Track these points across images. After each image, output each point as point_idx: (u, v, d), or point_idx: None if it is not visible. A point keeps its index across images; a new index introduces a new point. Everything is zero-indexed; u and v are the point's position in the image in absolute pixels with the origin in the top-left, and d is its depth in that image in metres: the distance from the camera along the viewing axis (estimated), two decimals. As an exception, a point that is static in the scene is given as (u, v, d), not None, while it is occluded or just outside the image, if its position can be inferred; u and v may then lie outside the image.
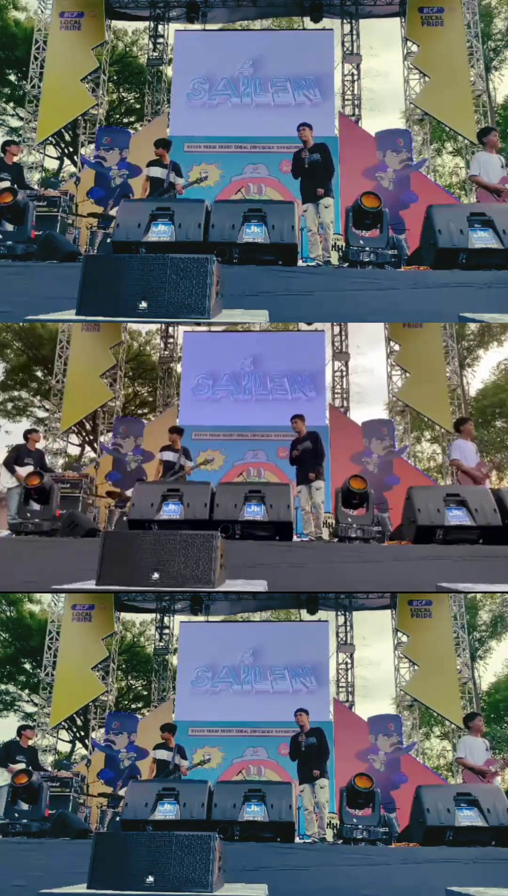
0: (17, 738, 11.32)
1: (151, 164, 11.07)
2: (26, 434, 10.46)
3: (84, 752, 15.39)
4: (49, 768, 13.35)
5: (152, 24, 15.19)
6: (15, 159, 10.78)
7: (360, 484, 9.80)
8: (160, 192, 10.79)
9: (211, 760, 13.24)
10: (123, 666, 16.83)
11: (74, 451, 17.75)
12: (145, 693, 16.87)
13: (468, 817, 9.73)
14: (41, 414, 19.01)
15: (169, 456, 11.01)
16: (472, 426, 10.42)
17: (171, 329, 15.81)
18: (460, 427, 10.39)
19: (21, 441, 10.41)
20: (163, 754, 11.20)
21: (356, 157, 13.48)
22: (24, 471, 9.90)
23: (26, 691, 18.25)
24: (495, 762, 10.65)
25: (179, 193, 10.91)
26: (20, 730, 11.49)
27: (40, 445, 10.99)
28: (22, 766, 10.92)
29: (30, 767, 10.99)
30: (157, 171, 10.94)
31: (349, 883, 9.28)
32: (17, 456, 10.17)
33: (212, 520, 8.65)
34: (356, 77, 15.08)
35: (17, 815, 10.55)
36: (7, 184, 10.34)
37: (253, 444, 14.19)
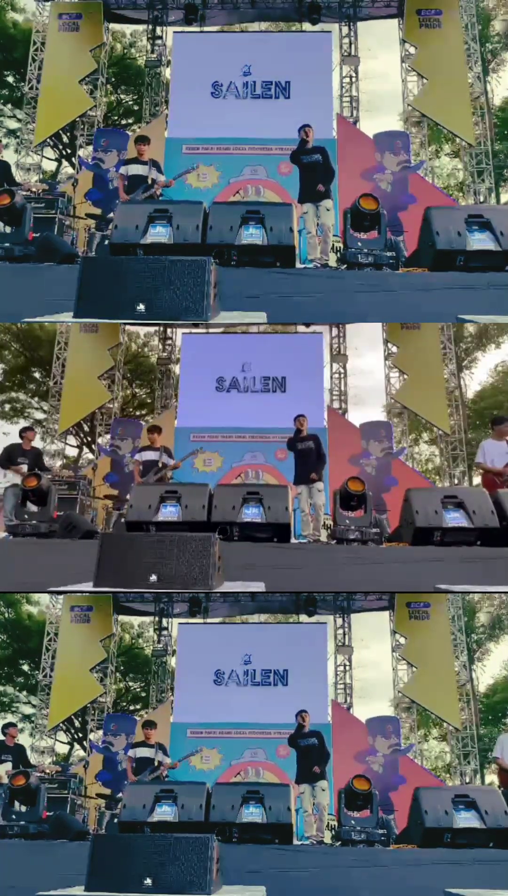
0: (3, 738, 11.26)
1: (128, 161, 11.04)
2: (21, 432, 10.37)
3: (82, 753, 15.37)
4: (36, 765, 13.31)
5: (151, 27, 15.20)
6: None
7: (358, 486, 9.81)
8: (144, 189, 10.77)
9: (210, 761, 13.24)
10: (122, 667, 16.83)
11: (71, 452, 17.73)
12: (144, 695, 16.86)
13: (466, 819, 9.74)
14: (39, 415, 18.98)
15: (150, 455, 10.70)
16: (506, 428, 10.21)
17: (169, 331, 15.80)
18: (492, 426, 10.23)
19: (16, 440, 10.32)
20: (144, 752, 11.16)
21: (355, 158, 13.47)
22: (18, 470, 9.86)
23: (24, 693, 18.23)
24: None
25: (161, 188, 10.88)
26: (4, 728, 11.41)
27: (38, 444, 10.88)
28: (8, 766, 10.89)
29: (23, 767, 10.95)
30: (137, 169, 10.90)
31: (347, 885, 9.28)
32: (9, 455, 10.10)
33: (210, 521, 8.65)
34: (354, 79, 15.09)
35: (14, 816, 10.54)
36: None
37: (252, 446, 14.17)
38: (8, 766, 10.91)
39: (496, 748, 10.83)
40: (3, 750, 11.13)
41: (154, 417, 15.69)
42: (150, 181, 10.83)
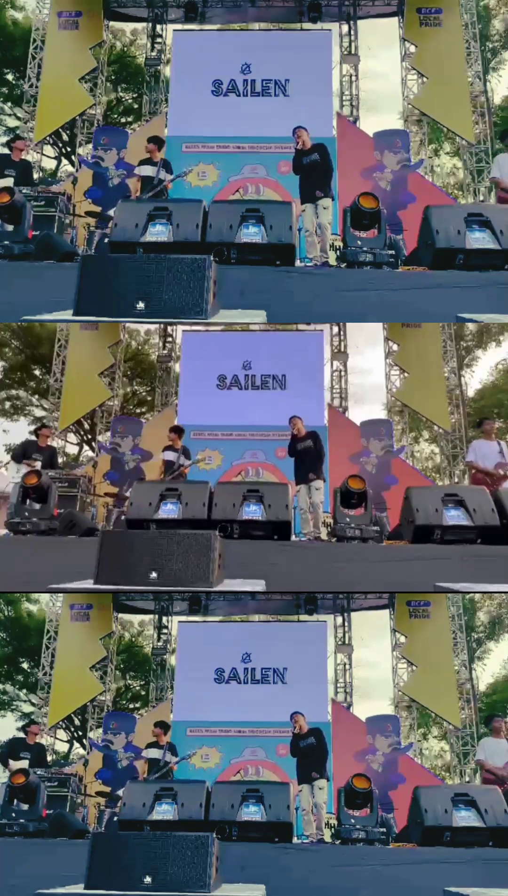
0: (24, 735, 11.29)
1: (142, 162, 11.16)
2: (37, 429, 10.48)
3: (82, 751, 15.37)
4: (51, 766, 13.33)
5: (150, 25, 15.19)
6: (22, 155, 10.78)
7: (358, 484, 9.82)
8: (150, 189, 10.84)
9: (210, 759, 13.24)
10: (122, 666, 16.82)
11: (72, 450, 17.73)
12: (143, 693, 16.86)
13: (465, 818, 9.73)
14: (39, 413, 18.97)
15: (170, 456, 11.16)
16: (492, 425, 10.33)
17: (169, 328, 15.81)
18: (479, 427, 10.38)
19: (23, 437, 10.42)
20: (154, 753, 11.25)
21: (354, 157, 13.48)
22: (31, 464, 9.92)
23: (24, 691, 18.22)
24: None
25: (168, 187, 10.99)
26: (25, 726, 11.46)
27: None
28: (24, 763, 10.91)
29: (31, 768, 10.96)
30: (147, 170, 11.05)
31: (347, 883, 9.28)
32: (24, 451, 10.18)
33: (210, 519, 8.67)
34: (354, 77, 15.08)
35: (14, 814, 10.54)
36: (11, 181, 10.35)
37: (252, 444, 14.19)
38: (24, 763, 10.94)
39: (478, 752, 10.85)
40: (24, 748, 11.15)
41: (154, 415, 15.69)
42: (156, 181, 10.92)
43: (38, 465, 9.99)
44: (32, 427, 17.92)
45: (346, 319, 13.33)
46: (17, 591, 16.85)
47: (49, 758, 14.15)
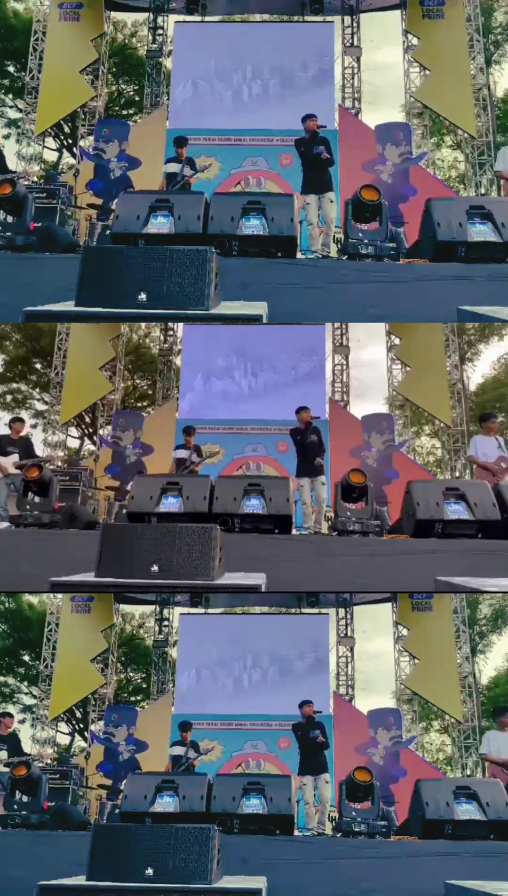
0: None
1: (169, 161, 11.33)
2: (10, 423, 10.41)
3: (83, 744, 15.41)
4: (30, 753, 13.31)
5: (152, 16, 15.16)
6: None
7: (359, 478, 9.79)
8: (173, 185, 10.97)
9: (211, 752, 13.27)
10: (123, 658, 16.86)
11: (73, 443, 17.75)
12: (145, 686, 16.91)
13: (466, 811, 9.73)
14: (40, 406, 19.00)
15: (182, 454, 11.34)
16: (494, 422, 10.35)
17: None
18: (481, 423, 10.41)
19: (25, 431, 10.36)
20: (177, 750, 11.34)
21: (356, 150, 13.47)
22: (8, 460, 9.89)
23: (25, 683, 18.27)
24: None
25: (190, 182, 11.09)
26: None
27: (39, 434, 10.94)
28: (3, 754, 10.89)
29: (17, 756, 10.95)
30: (173, 167, 11.22)
31: (348, 876, 9.29)
32: None
33: (211, 513, 8.65)
34: (356, 70, 15.05)
35: (16, 806, 10.54)
36: None
37: (253, 438, 14.19)
38: (3, 754, 10.92)
39: (482, 745, 10.80)
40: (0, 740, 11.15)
41: (155, 409, 15.70)
42: (179, 177, 11.03)
43: (14, 458, 9.96)
44: (36, 420, 17.97)
45: (347, 319, 13.29)
46: (15, 591, 16.87)
47: (50, 750, 14.20)
